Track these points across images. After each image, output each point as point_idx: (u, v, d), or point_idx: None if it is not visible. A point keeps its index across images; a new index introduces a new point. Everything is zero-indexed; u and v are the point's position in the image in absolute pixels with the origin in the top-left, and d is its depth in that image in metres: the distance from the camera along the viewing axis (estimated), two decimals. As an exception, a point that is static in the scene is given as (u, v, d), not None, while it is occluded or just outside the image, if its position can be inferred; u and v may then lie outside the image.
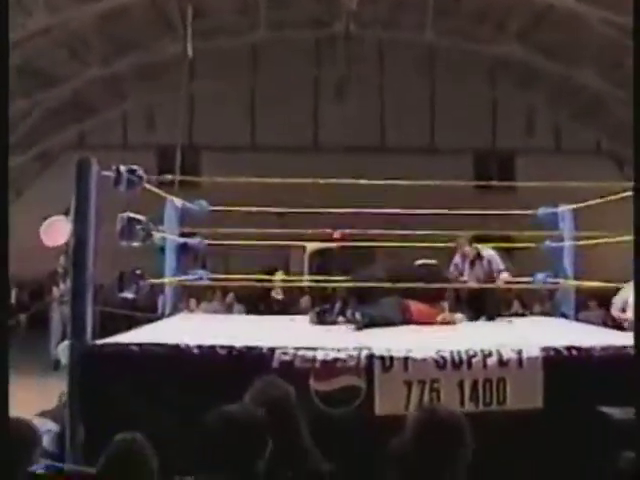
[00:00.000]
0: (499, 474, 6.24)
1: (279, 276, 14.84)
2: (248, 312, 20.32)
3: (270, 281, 16.10)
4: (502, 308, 12.13)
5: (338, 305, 10.22)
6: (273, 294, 14.75)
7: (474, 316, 10.93)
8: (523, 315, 17.18)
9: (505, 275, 11.11)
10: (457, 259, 11.49)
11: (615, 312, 11.03)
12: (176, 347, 7.18)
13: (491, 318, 10.76)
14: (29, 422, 4.66)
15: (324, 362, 6.97)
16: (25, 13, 20.67)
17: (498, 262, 11.19)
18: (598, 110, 29.09)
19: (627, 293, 10.38)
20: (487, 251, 11.35)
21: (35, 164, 29.92)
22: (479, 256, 11.24)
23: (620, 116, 26.77)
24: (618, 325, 11.21)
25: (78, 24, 23.03)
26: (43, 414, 7.54)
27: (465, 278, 11.37)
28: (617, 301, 10.92)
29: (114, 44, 25.64)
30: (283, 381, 4.52)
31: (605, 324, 13.54)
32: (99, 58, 25.36)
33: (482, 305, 11.07)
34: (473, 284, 11.11)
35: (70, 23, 22.81)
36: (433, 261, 11.28)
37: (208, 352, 7.10)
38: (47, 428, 6.84)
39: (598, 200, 10.16)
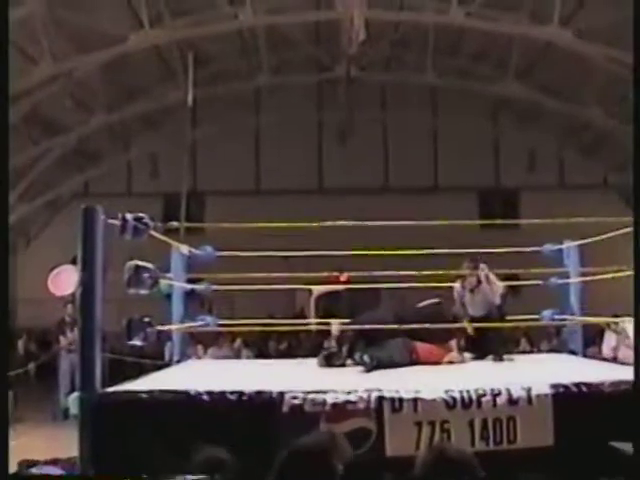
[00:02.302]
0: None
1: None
2: (256, 356, 20.35)
3: (274, 325, 16.07)
4: (510, 346, 12.06)
5: (346, 347, 10.21)
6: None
7: (481, 354, 10.90)
8: (531, 352, 17.16)
9: (499, 285, 11.03)
10: (458, 287, 11.45)
11: (606, 350, 10.94)
12: (186, 393, 7.17)
13: (499, 356, 10.72)
14: None
15: (334, 405, 6.95)
16: (31, 62, 20.86)
17: (493, 279, 11.11)
18: (604, 145, 29.20)
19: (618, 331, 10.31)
20: (484, 273, 11.25)
21: (43, 213, 30.07)
22: (479, 282, 11.19)
23: (627, 150, 26.86)
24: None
25: (82, 73, 23.24)
26: (54, 462, 7.54)
27: (467, 308, 11.32)
28: (608, 339, 10.83)
29: (118, 92, 25.88)
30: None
31: (615, 359, 13.51)
32: (103, 106, 25.55)
33: (489, 343, 11.03)
34: (480, 323, 11.08)
35: (75, 72, 23.02)
36: (437, 300, 11.25)
37: (218, 398, 7.08)
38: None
39: (604, 235, 10.16)
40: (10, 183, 23.69)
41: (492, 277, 11.11)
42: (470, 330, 11.07)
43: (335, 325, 12.96)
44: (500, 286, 11.06)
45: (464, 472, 3.62)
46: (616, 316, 12.39)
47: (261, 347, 23.13)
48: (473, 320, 11.09)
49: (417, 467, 3.71)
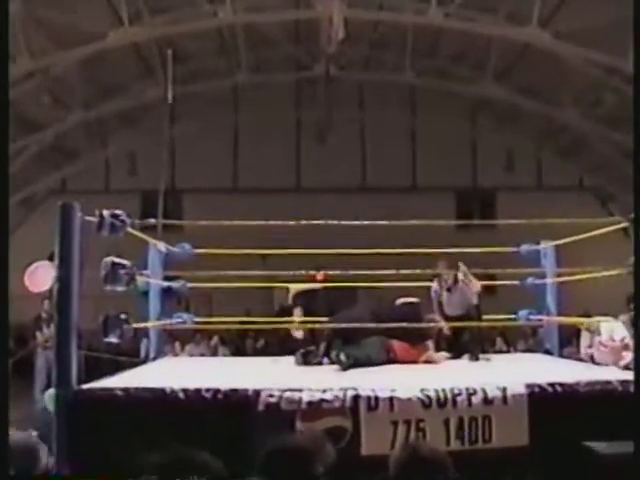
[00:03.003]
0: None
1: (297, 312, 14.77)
2: (233, 354, 20.34)
3: (252, 323, 16.09)
4: (486, 345, 12.11)
5: (323, 346, 10.22)
6: (293, 333, 14.66)
7: (458, 354, 10.93)
8: (507, 352, 17.22)
9: (475, 282, 11.05)
10: (435, 286, 11.48)
11: (582, 350, 10.94)
12: (161, 391, 7.16)
13: (474, 356, 10.75)
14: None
15: (310, 403, 6.96)
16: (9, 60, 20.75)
17: (472, 281, 11.14)
18: (580, 147, 29.33)
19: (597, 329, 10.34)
20: (462, 271, 11.28)
21: (20, 209, 29.91)
22: (456, 281, 11.22)
23: (603, 153, 27.00)
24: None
25: (60, 69, 23.16)
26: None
27: (444, 307, 11.36)
28: (584, 338, 10.85)
29: (96, 89, 25.80)
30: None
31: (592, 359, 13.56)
32: (81, 103, 25.47)
33: (465, 343, 11.08)
34: (456, 322, 11.10)
35: (52, 68, 22.94)
36: (414, 299, 11.27)
37: (193, 395, 7.08)
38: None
39: (580, 236, 10.21)
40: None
41: (470, 276, 11.15)
42: (446, 330, 11.11)
43: (296, 325, 13.00)
44: (477, 285, 11.10)
45: (437, 471, 3.63)
46: (588, 315, 12.44)
47: (238, 345, 23.11)
48: (450, 319, 11.13)
49: (391, 466, 3.71)
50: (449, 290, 11.27)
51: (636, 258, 6.43)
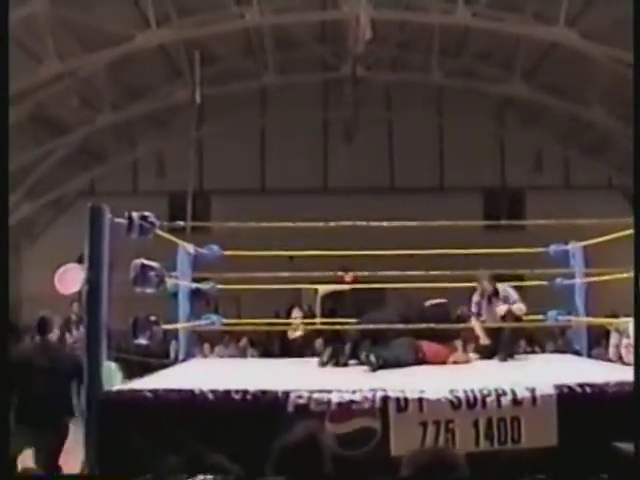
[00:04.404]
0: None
1: (296, 313, 14.78)
2: (262, 355, 20.35)
3: (283, 324, 16.10)
4: (515, 346, 12.05)
5: (349, 347, 10.22)
6: (289, 334, 14.69)
7: (488, 355, 10.92)
8: (536, 353, 17.15)
9: (519, 306, 11.03)
10: (477, 297, 11.44)
11: (611, 351, 10.90)
12: (190, 392, 7.19)
13: (504, 356, 10.73)
14: None
15: (339, 404, 6.97)
16: (35, 61, 20.89)
17: (513, 296, 11.13)
18: (608, 146, 29.18)
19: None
20: (503, 287, 11.30)
21: (48, 212, 30.10)
22: (496, 293, 11.20)
23: (630, 151, 26.81)
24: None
25: (88, 71, 23.27)
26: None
27: (483, 317, 11.35)
28: (613, 338, 10.80)
29: (124, 91, 25.93)
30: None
31: (620, 360, 13.51)
32: (109, 105, 25.59)
33: (496, 344, 11.05)
34: (489, 323, 11.09)
35: (80, 71, 23.05)
36: (443, 300, 11.26)
37: (223, 397, 7.11)
38: None
39: (609, 236, 10.16)
40: (16, 182, 23.76)
41: (513, 295, 11.13)
42: (484, 340, 11.11)
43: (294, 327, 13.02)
44: (523, 309, 11.04)
45: (453, 475, 3.63)
46: (615, 316, 12.39)
47: (267, 346, 23.13)
48: (489, 330, 11.14)
49: (406, 466, 3.71)
50: (490, 301, 11.25)
51: (636, 258, 6.39)
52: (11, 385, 7.68)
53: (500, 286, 11.25)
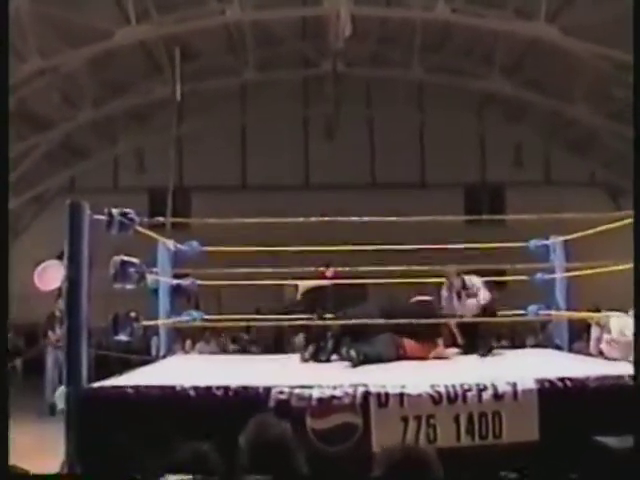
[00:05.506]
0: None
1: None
2: (242, 352, 20.35)
3: (260, 320, 16.11)
4: (495, 341, 12.07)
5: (330, 343, 10.21)
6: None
7: (467, 350, 10.92)
8: (516, 347, 17.17)
9: (484, 295, 11.03)
10: (445, 292, 11.46)
11: (592, 345, 10.88)
12: (172, 388, 7.17)
13: (484, 352, 10.74)
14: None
15: (320, 400, 6.96)
16: (17, 58, 20.79)
17: (477, 285, 11.13)
18: (591, 142, 29.27)
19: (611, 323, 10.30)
20: (470, 280, 11.30)
21: (30, 208, 29.98)
22: (464, 287, 11.21)
23: (613, 148, 26.91)
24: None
25: (69, 68, 23.21)
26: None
27: (458, 312, 11.35)
28: (594, 333, 10.79)
29: (104, 87, 25.82)
30: (277, 419, 4.48)
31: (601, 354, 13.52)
32: (90, 101, 25.51)
33: (475, 339, 11.05)
34: (467, 318, 11.08)
35: (62, 67, 22.99)
36: (428, 297, 11.26)
37: (204, 393, 7.09)
38: None
39: (590, 231, 10.16)
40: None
41: (478, 285, 11.13)
42: (459, 337, 11.11)
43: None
44: (486, 296, 11.06)
45: (426, 473, 3.62)
46: (598, 310, 12.41)
47: (247, 342, 23.13)
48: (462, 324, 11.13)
49: (376, 465, 3.70)
50: (459, 295, 11.25)
51: (636, 256, 6.40)
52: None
53: (466, 278, 11.25)
